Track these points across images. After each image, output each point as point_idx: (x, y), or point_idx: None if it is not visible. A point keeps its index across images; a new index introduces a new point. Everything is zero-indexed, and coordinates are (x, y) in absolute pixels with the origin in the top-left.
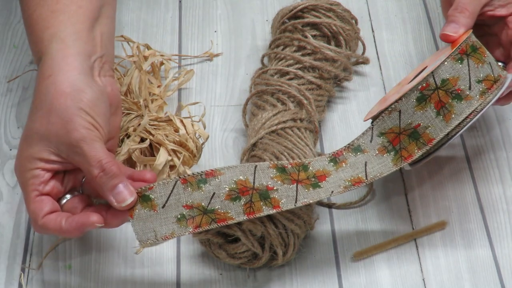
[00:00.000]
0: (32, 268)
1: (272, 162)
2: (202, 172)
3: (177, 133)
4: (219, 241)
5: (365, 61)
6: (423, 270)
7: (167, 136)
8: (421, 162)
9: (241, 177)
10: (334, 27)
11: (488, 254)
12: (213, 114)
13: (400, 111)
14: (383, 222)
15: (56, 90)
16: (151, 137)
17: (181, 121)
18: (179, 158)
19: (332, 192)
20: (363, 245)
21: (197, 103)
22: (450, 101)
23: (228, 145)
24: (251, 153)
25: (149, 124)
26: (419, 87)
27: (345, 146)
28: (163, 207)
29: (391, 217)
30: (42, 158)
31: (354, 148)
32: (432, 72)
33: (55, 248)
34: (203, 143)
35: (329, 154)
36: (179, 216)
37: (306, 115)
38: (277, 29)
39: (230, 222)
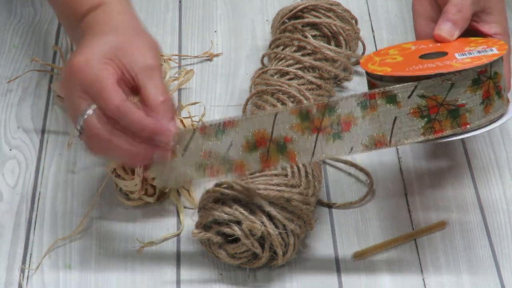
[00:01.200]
0: (32, 268)
1: (295, 107)
2: (220, 122)
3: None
4: (219, 241)
5: None
6: (423, 270)
7: None
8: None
9: (259, 128)
10: (334, 27)
11: (488, 254)
12: (213, 114)
13: (453, 84)
14: (383, 222)
15: (134, 24)
16: None
17: (181, 121)
18: None
19: (352, 149)
20: (363, 245)
21: (197, 103)
22: (494, 94)
23: None
24: None
25: None
26: (478, 70)
27: (380, 90)
28: (182, 155)
29: (391, 217)
30: (112, 59)
31: (389, 96)
32: (490, 63)
33: (55, 248)
34: None
35: (361, 93)
36: (197, 165)
37: None
38: (277, 29)
39: (246, 171)
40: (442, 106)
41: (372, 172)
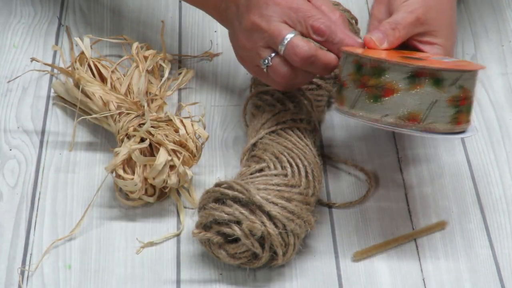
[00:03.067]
0: (31, 270)
1: (356, 57)
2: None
3: (177, 133)
4: (219, 241)
5: None
6: (423, 270)
7: (167, 136)
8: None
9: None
10: None
11: (488, 254)
12: (213, 114)
13: (476, 79)
14: (383, 222)
15: None
16: (151, 137)
17: (181, 121)
18: (179, 158)
19: (386, 116)
20: (363, 245)
21: (197, 103)
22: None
23: (228, 145)
24: (251, 153)
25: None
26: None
27: (431, 69)
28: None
29: (391, 217)
30: None
31: (437, 78)
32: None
33: (54, 248)
34: (203, 143)
35: (413, 67)
36: (354, 95)
37: (306, 115)
38: None
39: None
40: (468, 100)
41: (372, 172)
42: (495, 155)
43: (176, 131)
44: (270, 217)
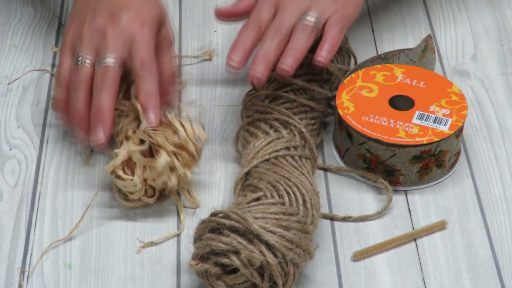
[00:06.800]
0: (30, 270)
1: None
2: None
3: (176, 135)
4: (217, 272)
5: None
6: (423, 270)
7: (166, 139)
8: None
9: None
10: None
11: (488, 254)
12: (213, 114)
13: (395, 154)
14: (383, 222)
15: None
16: (150, 139)
17: (181, 123)
18: (179, 160)
19: None
20: (363, 245)
21: (194, 101)
22: (433, 167)
23: (228, 146)
24: (246, 182)
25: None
26: (422, 149)
27: (345, 124)
28: None
29: (391, 217)
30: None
31: (347, 131)
32: (437, 143)
33: (53, 248)
34: (203, 145)
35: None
36: None
37: (300, 143)
38: None
39: None
40: (381, 165)
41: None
42: (495, 155)
43: (176, 133)
44: (269, 246)
